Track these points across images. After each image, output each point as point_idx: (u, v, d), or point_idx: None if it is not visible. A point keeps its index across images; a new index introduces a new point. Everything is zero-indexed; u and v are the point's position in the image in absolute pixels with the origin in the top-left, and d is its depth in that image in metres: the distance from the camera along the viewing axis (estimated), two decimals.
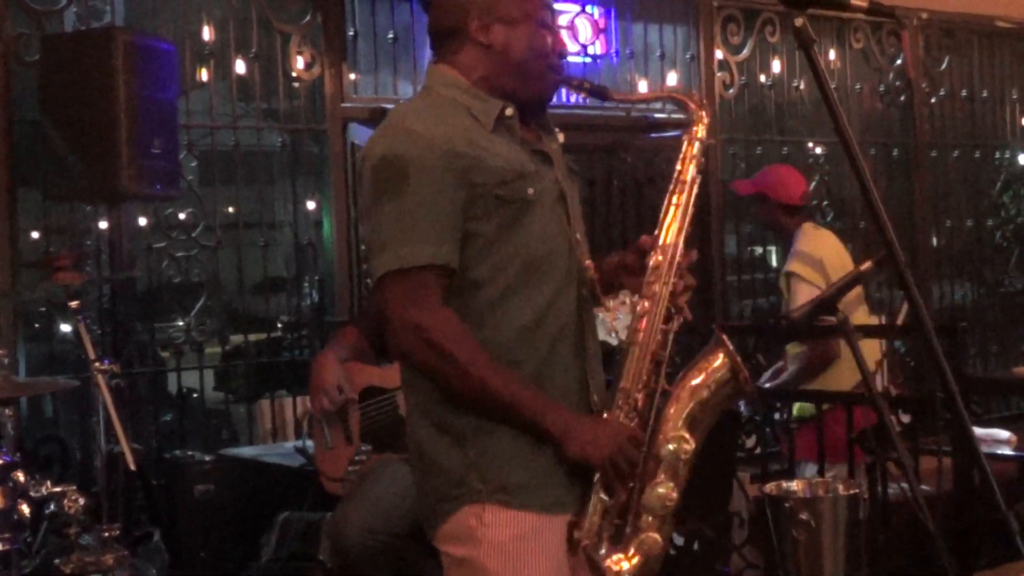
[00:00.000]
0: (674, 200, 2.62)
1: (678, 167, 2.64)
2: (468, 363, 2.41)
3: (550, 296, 2.52)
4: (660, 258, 2.57)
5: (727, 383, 2.57)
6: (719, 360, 2.58)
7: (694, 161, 2.64)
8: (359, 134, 6.03)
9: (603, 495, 2.49)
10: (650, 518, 2.50)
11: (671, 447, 2.51)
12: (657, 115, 6.86)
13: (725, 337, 2.60)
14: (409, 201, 2.42)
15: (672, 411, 2.54)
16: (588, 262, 2.62)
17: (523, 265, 2.49)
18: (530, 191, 2.51)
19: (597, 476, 2.49)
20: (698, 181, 2.63)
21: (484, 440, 2.47)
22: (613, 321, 2.67)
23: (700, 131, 2.66)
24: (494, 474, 2.47)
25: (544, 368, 2.51)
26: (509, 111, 2.56)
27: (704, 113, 2.68)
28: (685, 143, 2.66)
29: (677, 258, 2.57)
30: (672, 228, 2.60)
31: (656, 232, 2.61)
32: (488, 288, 2.48)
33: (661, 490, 2.50)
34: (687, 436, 2.52)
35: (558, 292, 2.54)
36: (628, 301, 2.92)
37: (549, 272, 2.53)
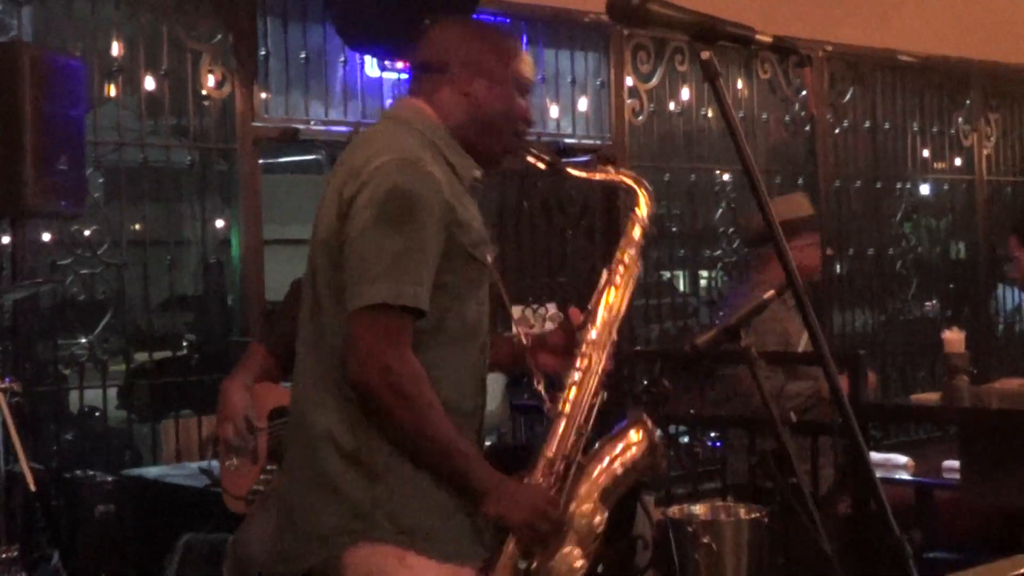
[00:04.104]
0: (615, 281, 2.68)
1: (620, 247, 2.72)
2: (423, 411, 2.42)
3: (472, 360, 2.58)
4: (596, 334, 2.64)
5: (643, 460, 2.64)
6: (636, 437, 2.64)
7: (636, 246, 2.72)
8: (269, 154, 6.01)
9: (515, 556, 2.53)
10: None
11: (584, 519, 2.57)
12: (568, 140, 6.92)
13: (646, 417, 2.67)
14: (416, 242, 2.41)
15: (588, 482, 2.60)
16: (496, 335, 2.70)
17: (462, 325, 2.54)
18: (489, 257, 2.57)
19: (510, 537, 2.53)
20: (639, 264, 2.72)
21: (397, 480, 2.47)
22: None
23: (642, 213, 2.73)
24: (400, 515, 2.47)
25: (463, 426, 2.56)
26: (478, 174, 2.62)
27: (650, 201, 2.74)
28: (629, 226, 2.73)
29: (611, 337, 2.65)
30: (611, 307, 2.67)
31: (593, 306, 2.67)
32: (431, 339, 2.50)
33: (568, 558, 2.55)
34: (601, 508, 2.59)
35: (477, 357, 2.61)
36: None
37: (474, 337, 2.58)
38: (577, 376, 2.62)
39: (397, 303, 2.39)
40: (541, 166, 2.72)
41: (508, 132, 2.65)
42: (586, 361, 2.62)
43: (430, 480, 2.48)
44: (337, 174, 2.54)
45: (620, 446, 2.64)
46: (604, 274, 2.71)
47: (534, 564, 2.53)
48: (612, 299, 2.67)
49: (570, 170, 2.85)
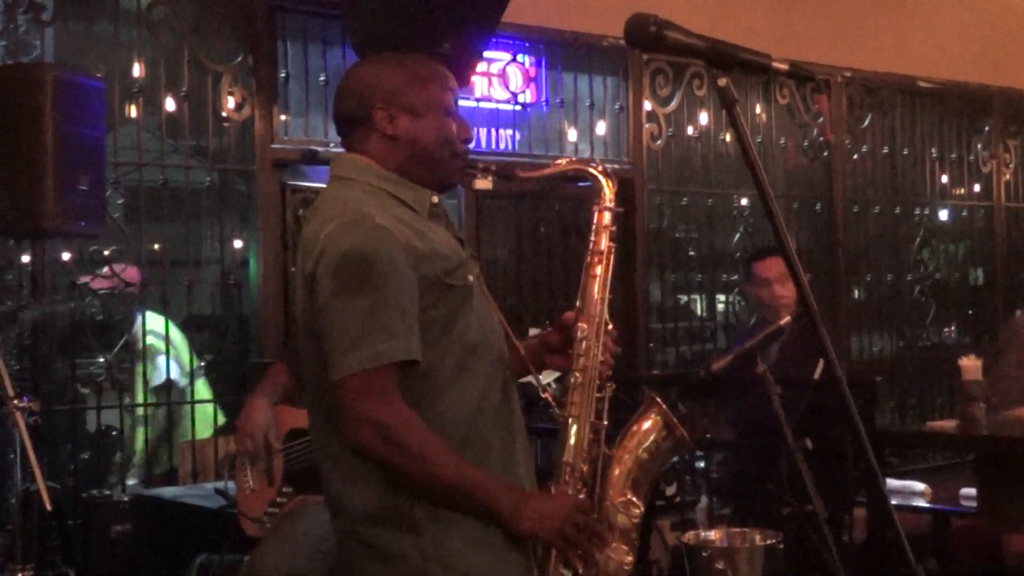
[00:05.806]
0: (594, 272, 2.66)
1: (592, 238, 2.68)
2: (426, 456, 2.42)
3: (486, 379, 2.56)
4: (586, 330, 2.62)
5: (664, 440, 2.63)
6: (652, 420, 2.63)
7: (606, 231, 2.68)
8: (295, 175, 6.04)
9: (564, 570, 2.52)
10: None
11: (620, 512, 2.57)
12: None
13: (656, 396, 2.65)
14: (380, 298, 2.40)
15: (616, 475, 2.60)
16: (515, 342, 2.66)
17: (463, 350, 2.52)
18: (470, 277, 2.55)
19: (554, 552, 2.52)
20: (613, 249, 2.68)
21: (439, 529, 2.48)
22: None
23: (607, 199, 2.69)
24: (453, 561, 2.48)
25: (487, 448, 2.55)
26: (435, 199, 2.59)
27: (609, 182, 2.70)
28: (596, 214, 2.69)
29: (603, 328, 2.63)
30: (595, 299, 2.64)
31: (578, 304, 2.66)
32: (436, 373, 2.50)
33: (616, 556, 2.54)
34: (634, 500, 2.59)
35: (491, 375, 2.58)
36: None
37: (483, 356, 2.56)
38: (577, 376, 2.61)
39: (378, 364, 2.40)
40: (488, 184, 2.71)
41: (448, 157, 2.62)
42: (583, 359, 2.61)
43: (470, 522, 2.49)
44: (299, 250, 2.56)
45: (638, 433, 2.63)
46: (585, 268, 2.68)
47: (581, 570, 2.52)
48: (596, 290, 2.65)
49: (522, 174, 2.82)
